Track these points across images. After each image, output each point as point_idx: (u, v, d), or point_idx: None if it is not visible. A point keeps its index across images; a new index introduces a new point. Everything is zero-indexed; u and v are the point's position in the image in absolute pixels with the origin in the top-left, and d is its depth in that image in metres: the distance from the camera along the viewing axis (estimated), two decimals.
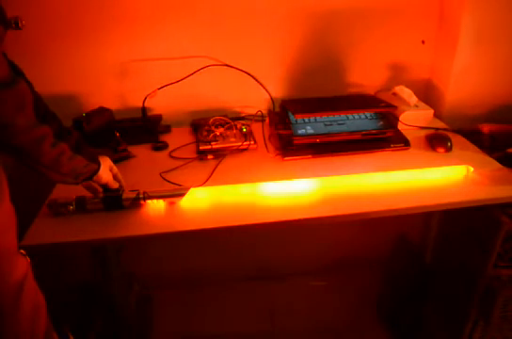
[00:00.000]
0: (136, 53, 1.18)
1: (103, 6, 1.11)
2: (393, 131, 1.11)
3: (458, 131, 1.18)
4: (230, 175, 0.99)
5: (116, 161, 0.97)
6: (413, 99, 1.21)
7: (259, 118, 1.24)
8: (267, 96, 1.27)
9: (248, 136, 1.13)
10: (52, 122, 0.68)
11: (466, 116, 1.28)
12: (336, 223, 1.09)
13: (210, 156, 1.08)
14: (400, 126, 1.18)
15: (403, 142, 1.10)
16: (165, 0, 1.13)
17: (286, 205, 0.90)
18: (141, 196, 0.88)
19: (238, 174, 0.99)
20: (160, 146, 1.14)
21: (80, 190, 0.85)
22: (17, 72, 0.62)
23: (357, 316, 1.47)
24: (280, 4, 1.18)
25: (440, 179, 0.98)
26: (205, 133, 1.14)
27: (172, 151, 1.12)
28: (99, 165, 0.80)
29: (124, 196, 0.88)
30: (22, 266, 0.63)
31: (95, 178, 0.81)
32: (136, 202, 0.89)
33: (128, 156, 1.10)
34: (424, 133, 1.16)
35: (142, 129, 1.20)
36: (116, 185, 0.87)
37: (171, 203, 0.91)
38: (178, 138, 1.18)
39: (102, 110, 1.17)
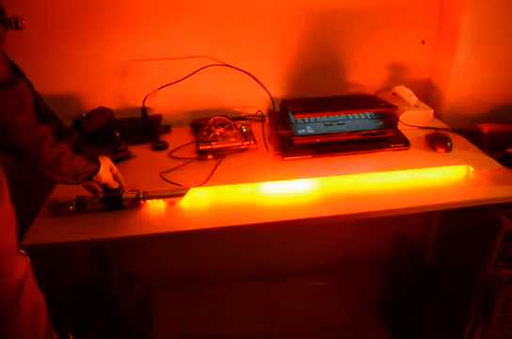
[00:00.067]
0: (136, 53, 1.18)
1: (103, 6, 1.11)
2: (393, 131, 1.11)
3: (458, 131, 1.18)
4: (230, 175, 0.99)
5: (116, 161, 0.96)
6: (413, 99, 1.21)
7: (259, 118, 1.24)
8: (267, 96, 1.27)
9: (247, 136, 1.13)
10: (52, 122, 0.68)
11: (466, 116, 1.28)
12: (336, 223, 1.09)
13: (210, 156, 1.08)
14: (400, 126, 1.18)
15: (403, 142, 1.10)
16: (165, 0, 1.13)
17: (286, 205, 0.90)
18: (141, 196, 0.88)
19: (238, 174, 0.99)
20: (160, 146, 1.14)
21: (80, 190, 0.85)
22: (17, 72, 0.62)
23: (357, 316, 1.47)
24: (280, 4, 1.18)
25: (440, 179, 0.98)
26: (205, 133, 1.14)
27: (172, 151, 1.12)
28: (99, 165, 0.80)
29: (124, 196, 0.88)
30: (22, 266, 0.63)
31: (95, 178, 0.81)
32: (135, 202, 0.89)
33: (128, 156, 1.10)
34: (423, 133, 1.16)
35: (142, 129, 1.20)
36: (116, 185, 0.87)
37: (171, 203, 0.91)
38: (178, 138, 1.18)
39: (102, 110, 1.17)
